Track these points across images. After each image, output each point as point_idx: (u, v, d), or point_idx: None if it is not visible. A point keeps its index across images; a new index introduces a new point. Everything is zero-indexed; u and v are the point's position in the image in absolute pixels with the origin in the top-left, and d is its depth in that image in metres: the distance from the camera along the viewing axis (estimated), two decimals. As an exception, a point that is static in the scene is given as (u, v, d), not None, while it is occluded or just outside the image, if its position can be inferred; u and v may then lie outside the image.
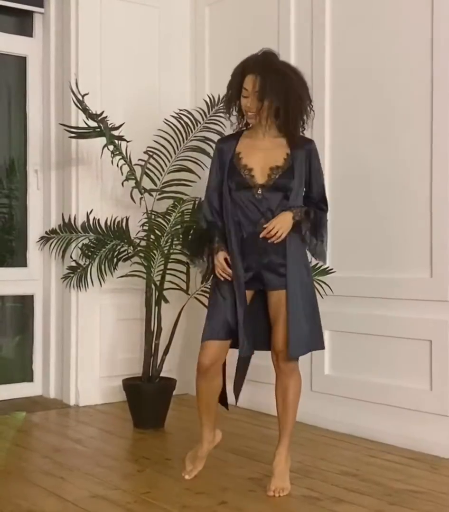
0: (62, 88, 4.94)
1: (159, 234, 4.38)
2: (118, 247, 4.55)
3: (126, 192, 4.65)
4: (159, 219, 4.42)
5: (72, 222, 4.77)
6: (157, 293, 4.41)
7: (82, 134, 4.38)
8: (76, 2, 4.85)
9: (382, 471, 3.47)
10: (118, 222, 4.58)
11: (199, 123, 4.62)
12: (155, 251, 4.39)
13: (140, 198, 4.48)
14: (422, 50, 3.85)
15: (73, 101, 4.27)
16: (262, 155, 3.09)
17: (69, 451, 3.82)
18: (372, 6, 4.13)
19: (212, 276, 3.25)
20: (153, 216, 4.41)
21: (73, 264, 4.77)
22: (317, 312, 3.16)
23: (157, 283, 4.41)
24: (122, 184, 4.55)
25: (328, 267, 4.10)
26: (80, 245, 4.72)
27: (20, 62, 5.11)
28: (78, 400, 4.88)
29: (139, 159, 4.51)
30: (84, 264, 4.69)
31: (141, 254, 4.42)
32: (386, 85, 4.05)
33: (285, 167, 3.07)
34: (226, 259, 3.10)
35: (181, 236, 4.40)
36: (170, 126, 4.62)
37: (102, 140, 4.28)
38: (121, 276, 4.64)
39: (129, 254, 4.53)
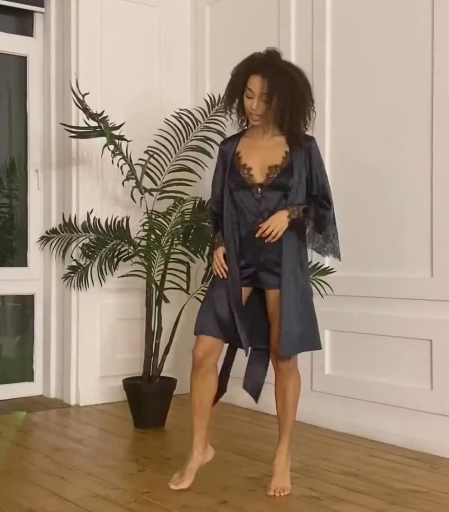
0: (62, 88, 4.94)
1: (160, 233, 4.38)
2: (119, 246, 4.55)
3: (127, 192, 4.65)
4: (160, 219, 4.42)
5: (73, 222, 4.77)
6: (157, 293, 4.41)
7: (83, 133, 4.38)
8: (77, 1, 4.85)
9: (382, 471, 3.47)
10: (119, 221, 4.58)
11: (200, 122, 4.62)
12: (155, 251, 4.39)
13: (141, 198, 4.48)
14: (423, 49, 3.85)
15: (74, 101, 4.27)
16: (261, 154, 3.08)
17: (70, 451, 3.82)
18: (373, 5, 4.13)
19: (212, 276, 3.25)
20: (153, 216, 4.41)
21: (74, 263, 4.77)
22: (312, 313, 3.13)
23: (158, 282, 4.41)
24: (123, 183, 4.55)
25: (328, 266, 4.10)
26: (80, 244, 4.72)
27: (21, 62, 5.11)
28: (79, 399, 4.88)
29: (139, 159, 4.51)
30: (85, 263, 4.69)
31: (142, 254, 4.41)
32: (386, 85, 4.05)
33: (283, 166, 3.06)
34: (224, 255, 3.11)
35: (181, 236, 4.41)
36: (170, 125, 4.62)
37: (103, 140, 4.27)
38: (122, 276, 4.64)
39: (130, 254, 4.53)
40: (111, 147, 4.29)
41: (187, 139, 4.61)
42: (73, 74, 4.76)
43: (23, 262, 5.13)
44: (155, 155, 4.59)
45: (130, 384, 4.40)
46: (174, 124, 4.61)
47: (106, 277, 4.64)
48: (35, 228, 5.10)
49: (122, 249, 4.55)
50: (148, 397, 4.32)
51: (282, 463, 3.17)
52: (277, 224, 3.02)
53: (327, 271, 4.11)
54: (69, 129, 4.43)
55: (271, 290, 3.10)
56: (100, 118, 4.19)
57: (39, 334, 5.14)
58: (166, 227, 4.38)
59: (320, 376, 4.34)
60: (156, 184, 4.58)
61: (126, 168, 4.42)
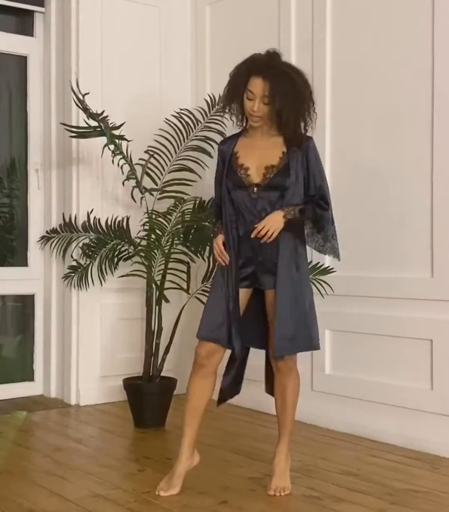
0: (63, 88, 4.94)
1: (160, 233, 4.38)
2: (119, 246, 4.55)
3: (127, 192, 4.65)
4: (160, 219, 4.42)
5: (73, 222, 4.78)
6: (158, 293, 4.41)
7: (83, 133, 4.38)
8: (77, 1, 4.85)
9: (382, 471, 3.47)
10: (119, 221, 4.58)
11: (200, 122, 4.62)
12: (156, 251, 4.39)
13: (141, 198, 4.48)
14: (423, 49, 3.85)
15: (74, 101, 4.27)
16: (258, 154, 3.08)
17: (70, 451, 3.82)
18: (373, 5, 4.13)
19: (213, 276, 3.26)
20: (154, 216, 4.41)
21: (74, 263, 4.77)
22: (309, 313, 3.11)
23: (158, 282, 4.41)
24: (123, 183, 4.56)
25: (328, 266, 4.10)
26: (81, 244, 4.72)
27: (21, 61, 5.11)
28: (79, 399, 4.88)
29: (140, 159, 4.51)
30: (85, 263, 4.69)
31: (142, 254, 4.41)
32: (386, 85, 4.05)
33: (280, 166, 3.05)
34: (224, 243, 3.11)
35: (182, 235, 4.41)
36: (171, 125, 4.62)
37: (103, 140, 4.28)
38: (122, 276, 4.64)
39: (130, 254, 4.54)
40: (112, 147, 4.29)
41: (187, 139, 4.61)
42: (73, 74, 4.76)
43: (23, 262, 5.13)
44: (155, 155, 4.59)
45: (130, 384, 4.41)
46: (175, 124, 4.61)
47: (106, 277, 4.64)
48: (36, 228, 5.10)
49: (123, 249, 4.56)
50: (148, 397, 4.32)
51: (282, 462, 3.17)
52: (272, 224, 3.01)
53: (327, 271, 4.11)
54: (69, 129, 4.43)
55: (268, 290, 3.09)
56: (100, 118, 4.19)
57: (39, 334, 5.15)
58: (167, 227, 4.38)
59: (320, 376, 4.35)
60: (156, 184, 4.58)
61: (126, 168, 4.42)
